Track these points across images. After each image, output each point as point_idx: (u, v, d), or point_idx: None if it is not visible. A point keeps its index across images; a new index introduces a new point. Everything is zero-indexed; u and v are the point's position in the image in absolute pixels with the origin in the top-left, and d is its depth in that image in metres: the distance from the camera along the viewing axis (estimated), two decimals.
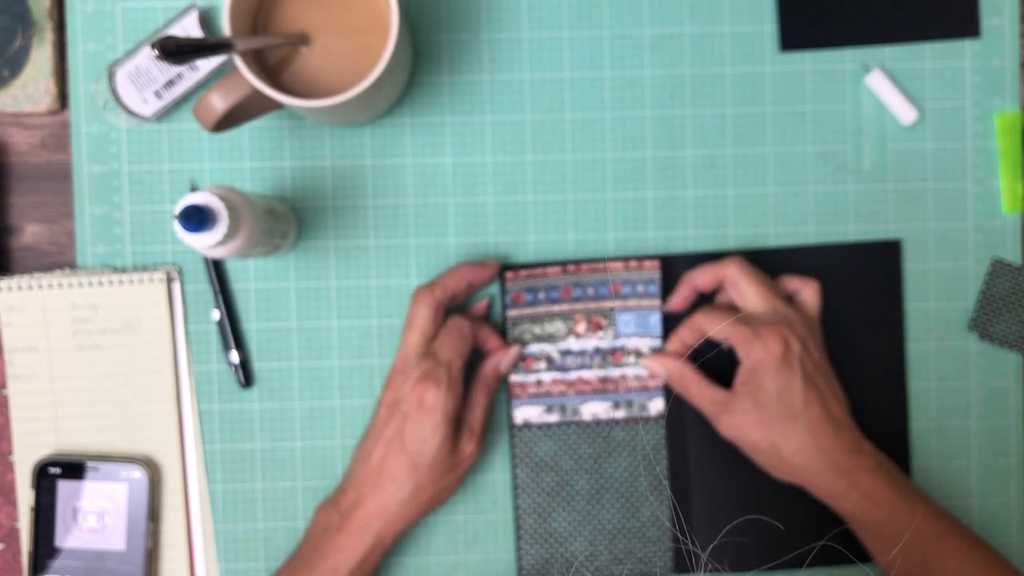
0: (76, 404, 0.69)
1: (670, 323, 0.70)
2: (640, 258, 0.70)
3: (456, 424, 0.65)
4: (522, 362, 0.70)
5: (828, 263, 0.70)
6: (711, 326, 0.67)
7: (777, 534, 0.70)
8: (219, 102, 0.60)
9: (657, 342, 0.70)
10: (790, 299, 0.69)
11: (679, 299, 0.69)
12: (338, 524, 0.64)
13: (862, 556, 0.70)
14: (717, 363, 0.69)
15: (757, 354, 0.65)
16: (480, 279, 0.68)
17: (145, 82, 0.68)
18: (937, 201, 0.71)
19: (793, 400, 0.64)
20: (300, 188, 0.70)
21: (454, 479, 0.66)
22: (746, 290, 0.66)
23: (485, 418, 0.68)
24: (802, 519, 0.70)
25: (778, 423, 0.64)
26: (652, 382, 0.71)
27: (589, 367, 0.70)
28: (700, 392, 0.67)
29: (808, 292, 0.68)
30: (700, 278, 0.68)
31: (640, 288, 0.70)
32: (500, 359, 0.69)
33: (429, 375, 0.64)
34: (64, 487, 0.68)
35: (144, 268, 0.69)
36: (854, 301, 0.71)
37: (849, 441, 0.65)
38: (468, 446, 0.66)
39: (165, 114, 0.69)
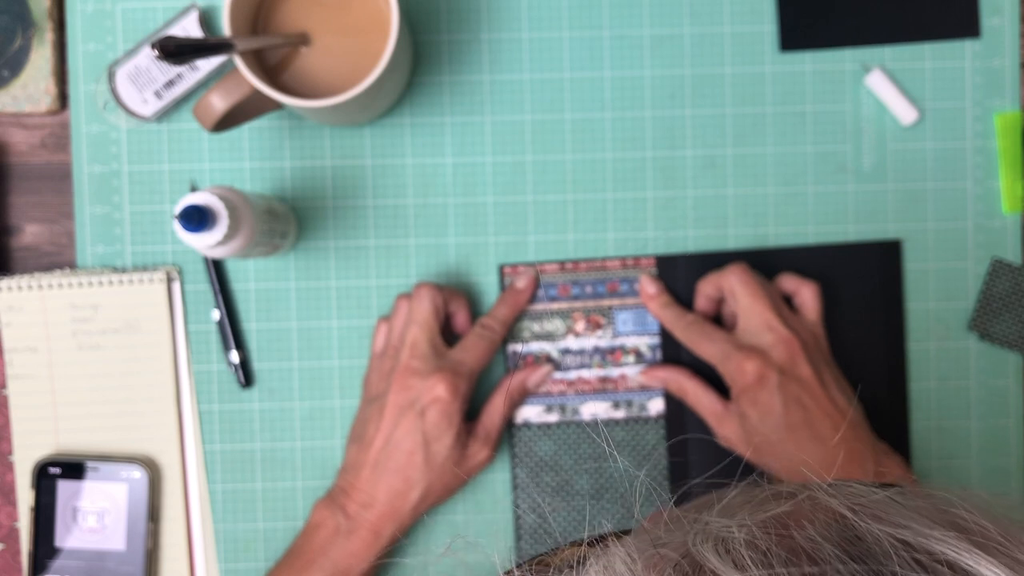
0: (76, 404, 0.69)
1: None
2: (637, 257, 0.70)
3: (465, 426, 0.65)
4: (522, 360, 0.70)
5: (828, 263, 0.70)
6: (695, 347, 0.67)
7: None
8: (219, 102, 0.60)
9: (655, 339, 0.70)
10: (789, 301, 0.69)
11: (700, 308, 0.69)
12: (348, 528, 0.64)
13: None
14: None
15: (735, 381, 0.65)
16: (468, 311, 0.69)
17: (145, 82, 0.68)
18: (937, 201, 0.71)
19: (776, 425, 0.64)
20: (300, 188, 0.70)
21: (459, 481, 0.66)
22: (740, 301, 0.66)
23: (503, 427, 0.68)
24: None
25: (765, 447, 0.65)
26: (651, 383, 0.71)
27: (589, 366, 0.70)
28: (697, 400, 0.68)
29: (806, 294, 0.68)
30: (706, 287, 0.68)
31: (638, 286, 0.70)
32: (529, 374, 0.69)
33: (447, 372, 0.64)
34: (64, 487, 0.68)
35: (144, 268, 0.69)
36: (854, 301, 0.71)
37: (841, 459, 0.64)
38: (481, 452, 0.66)
39: (165, 114, 0.69)
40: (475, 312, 0.70)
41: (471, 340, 0.66)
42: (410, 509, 0.64)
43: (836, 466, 0.64)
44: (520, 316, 0.70)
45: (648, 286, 0.69)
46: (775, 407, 0.63)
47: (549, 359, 0.70)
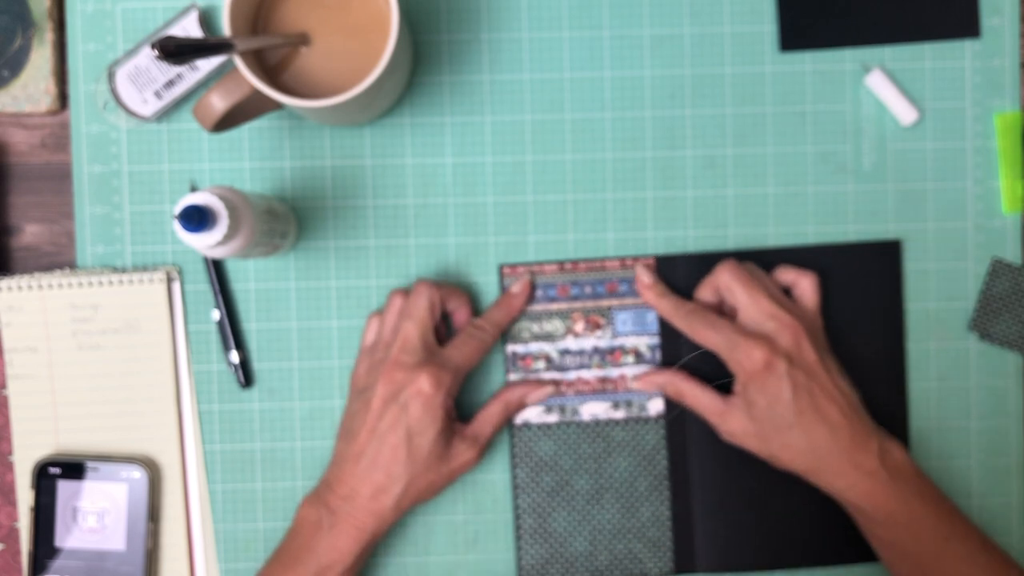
0: (76, 404, 0.69)
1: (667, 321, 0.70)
2: (637, 257, 0.70)
3: (452, 424, 0.65)
4: (521, 361, 0.70)
5: (828, 263, 0.70)
6: (698, 335, 0.67)
7: (780, 530, 0.70)
8: (219, 102, 0.60)
9: (655, 339, 0.70)
10: (788, 292, 0.69)
11: None
12: (331, 522, 0.64)
13: (867, 552, 0.70)
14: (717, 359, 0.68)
15: (742, 368, 0.65)
16: (469, 310, 0.69)
17: (145, 82, 0.68)
18: (937, 201, 0.71)
19: (785, 411, 0.64)
20: (300, 188, 0.70)
21: (442, 479, 0.65)
22: (738, 296, 0.66)
23: (493, 434, 0.68)
24: (805, 517, 0.70)
25: (773, 434, 0.65)
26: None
27: (588, 367, 0.70)
28: (696, 400, 0.68)
29: (805, 284, 0.68)
30: (703, 293, 0.68)
31: (636, 285, 0.70)
32: (530, 390, 0.69)
33: (432, 367, 0.64)
34: (64, 487, 0.68)
35: (144, 268, 0.70)
36: (854, 301, 0.71)
37: (847, 442, 0.64)
38: (467, 453, 0.66)
39: (165, 114, 0.69)
40: (475, 314, 0.70)
41: (461, 339, 0.66)
42: (392, 504, 0.64)
43: (843, 450, 0.64)
44: (516, 318, 0.70)
45: (644, 276, 0.69)
46: (784, 393, 0.64)
47: (548, 360, 0.70)
